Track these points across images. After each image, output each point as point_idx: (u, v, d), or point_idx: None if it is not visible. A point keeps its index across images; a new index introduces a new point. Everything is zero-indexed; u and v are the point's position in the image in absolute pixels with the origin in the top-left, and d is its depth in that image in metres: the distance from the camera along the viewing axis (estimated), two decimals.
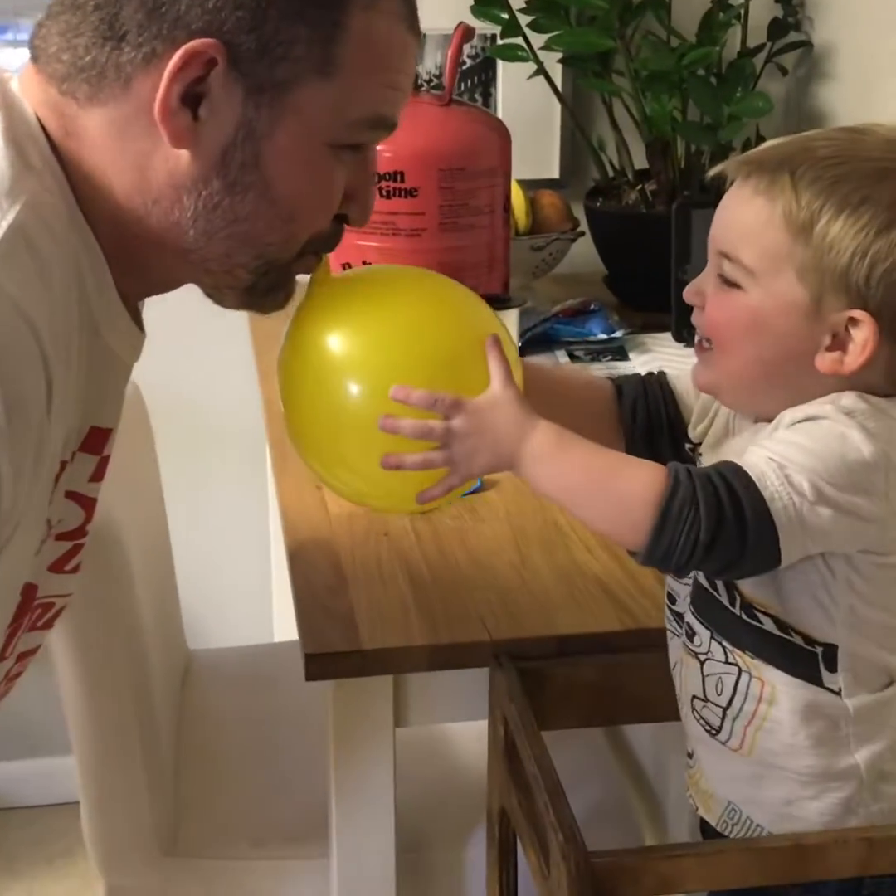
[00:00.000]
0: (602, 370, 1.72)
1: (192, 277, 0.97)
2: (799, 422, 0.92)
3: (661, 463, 1.07)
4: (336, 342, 0.97)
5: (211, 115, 0.89)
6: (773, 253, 0.92)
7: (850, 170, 0.91)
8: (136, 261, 0.93)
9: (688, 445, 1.07)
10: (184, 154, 0.89)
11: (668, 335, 1.82)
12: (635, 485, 0.89)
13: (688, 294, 0.99)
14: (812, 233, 0.90)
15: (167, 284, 0.98)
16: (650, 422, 1.08)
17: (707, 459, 1.03)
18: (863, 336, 0.91)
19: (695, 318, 0.99)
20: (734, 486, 0.88)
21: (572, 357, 1.77)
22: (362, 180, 0.97)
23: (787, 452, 0.89)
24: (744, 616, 0.97)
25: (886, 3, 1.84)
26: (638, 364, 1.74)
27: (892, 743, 0.99)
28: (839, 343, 0.92)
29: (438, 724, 1.52)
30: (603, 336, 1.82)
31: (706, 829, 1.10)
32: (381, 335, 0.97)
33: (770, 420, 0.98)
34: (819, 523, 0.89)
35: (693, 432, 1.07)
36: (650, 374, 1.11)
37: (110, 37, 0.88)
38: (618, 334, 1.82)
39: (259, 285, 0.97)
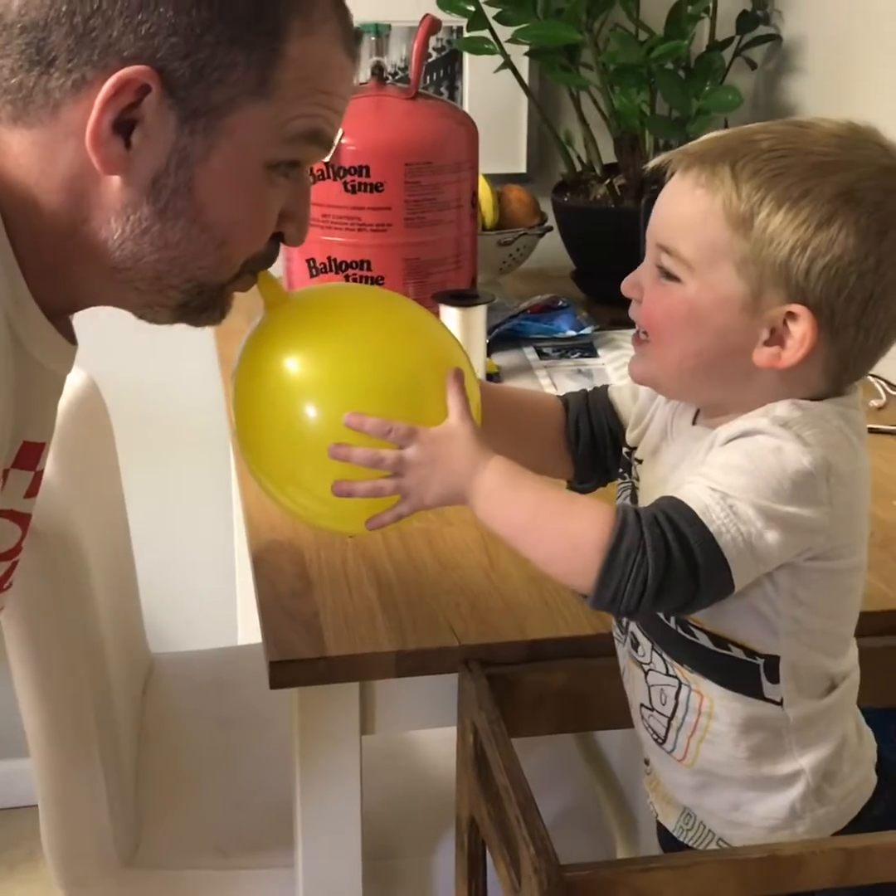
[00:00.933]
0: (571, 367, 1.70)
1: (121, 294, 0.95)
2: (734, 438, 0.91)
3: (606, 474, 1.08)
4: (294, 364, 0.96)
5: (144, 142, 0.87)
6: (711, 245, 0.90)
7: (793, 163, 0.89)
8: (60, 276, 0.91)
9: (625, 450, 1.06)
10: (115, 180, 0.88)
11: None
12: (583, 527, 0.88)
13: (625, 287, 0.97)
14: (752, 225, 0.89)
15: (96, 299, 0.97)
16: (593, 435, 1.08)
17: (646, 466, 1.01)
18: (800, 331, 0.89)
19: (632, 311, 0.97)
20: (680, 527, 0.86)
21: (540, 354, 1.75)
22: (298, 200, 0.96)
23: (727, 479, 0.88)
24: (679, 630, 0.96)
25: None
26: (607, 360, 1.72)
27: (837, 747, 0.99)
28: (777, 338, 0.91)
29: (406, 731, 1.50)
30: (571, 332, 1.80)
31: (663, 836, 1.09)
32: (339, 359, 0.96)
33: (709, 415, 0.97)
34: (769, 547, 0.87)
35: (629, 436, 1.06)
36: (595, 388, 1.11)
37: (38, 61, 0.86)
38: (586, 331, 1.80)
39: (192, 304, 0.95)
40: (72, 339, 0.96)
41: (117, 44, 0.84)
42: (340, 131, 1.02)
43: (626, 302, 1.77)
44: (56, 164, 0.87)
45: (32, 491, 0.98)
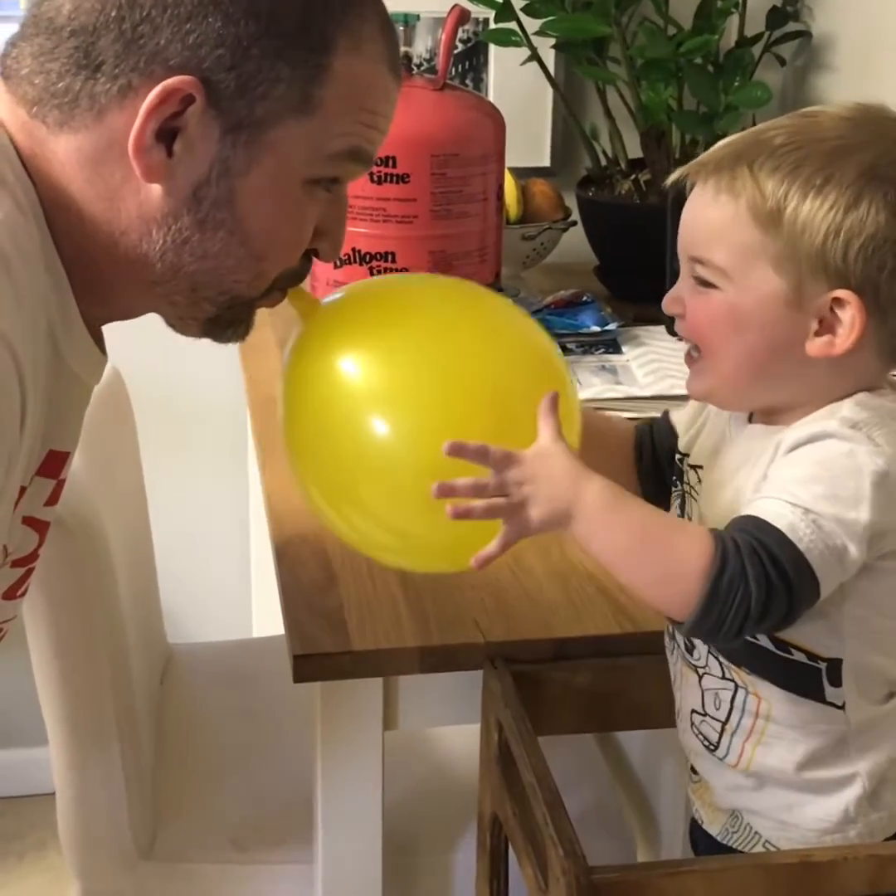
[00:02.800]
0: (595, 362, 1.69)
1: (156, 307, 0.96)
2: (802, 444, 0.90)
3: (668, 491, 1.07)
4: (357, 372, 0.91)
5: (186, 152, 0.87)
6: (744, 249, 0.90)
7: (809, 152, 0.89)
8: (101, 287, 0.92)
9: (677, 456, 1.05)
10: (155, 188, 0.88)
11: (661, 328, 1.78)
12: (686, 554, 0.86)
13: (667, 304, 0.97)
14: (782, 221, 0.89)
15: (131, 312, 0.97)
16: (655, 455, 1.08)
17: (707, 470, 1.00)
18: (849, 315, 0.89)
19: (678, 328, 0.97)
20: (773, 551, 0.86)
21: (564, 349, 1.73)
22: (335, 217, 0.96)
23: (805, 492, 0.87)
24: None
25: None
26: (631, 356, 1.71)
27: (892, 755, 0.97)
28: (827, 326, 0.90)
29: (429, 727, 1.50)
30: (595, 328, 1.78)
31: (702, 841, 1.07)
32: (413, 364, 0.91)
33: (764, 416, 0.97)
34: (852, 555, 0.87)
35: (681, 442, 1.05)
36: (662, 415, 1.11)
37: (85, 66, 0.86)
38: (611, 327, 1.78)
39: (222, 318, 0.96)
40: (103, 349, 0.97)
41: (164, 52, 0.85)
42: None
43: (649, 297, 1.76)
44: (99, 170, 0.88)
45: (53, 500, 0.98)
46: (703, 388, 0.97)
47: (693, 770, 1.06)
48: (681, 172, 0.96)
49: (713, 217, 0.92)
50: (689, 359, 0.97)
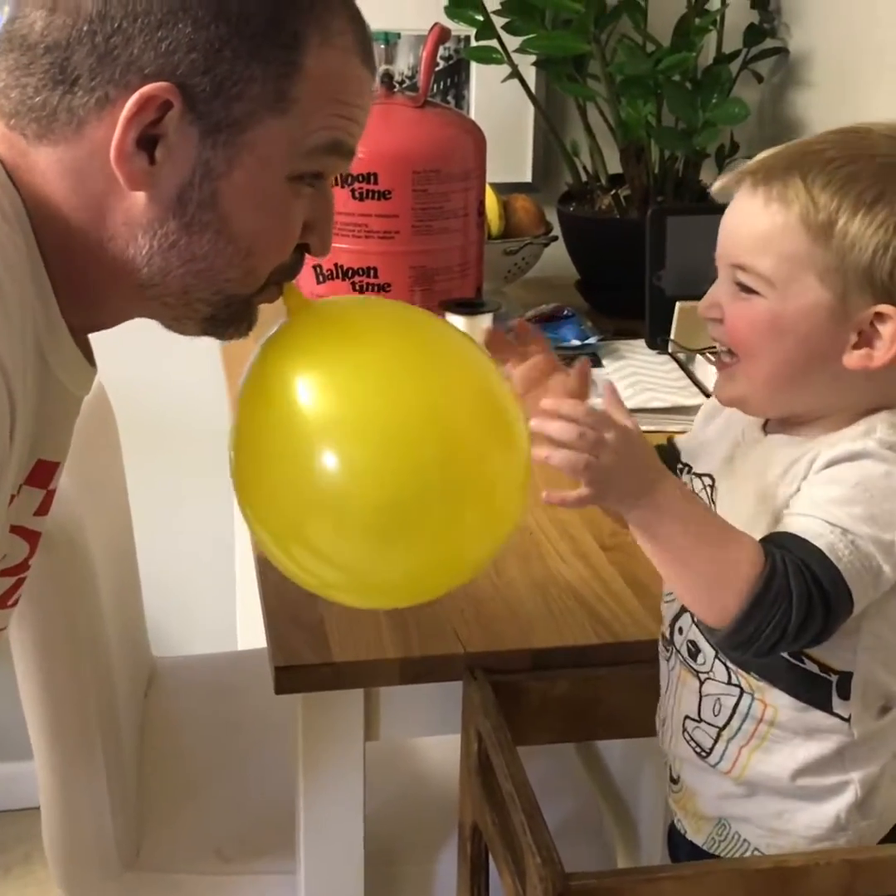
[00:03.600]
0: None
1: (149, 311, 0.96)
2: (840, 462, 0.91)
3: None
4: (316, 399, 0.88)
5: (167, 158, 0.87)
6: (792, 258, 0.91)
7: (861, 168, 0.91)
8: (88, 294, 0.92)
9: (678, 466, 1.06)
10: (140, 195, 0.88)
11: (641, 342, 1.80)
12: (738, 562, 0.87)
13: (704, 309, 0.97)
14: (832, 234, 0.90)
15: (121, 316, 0.97)
16: None
17: (723, 479, 1.01)
18: (890, 330, 0.91)
19: (713, 332, 0.98)
20: (816, 572, 0.87)
21: None
22: (321, 211, 0.96)
23: (843, 513, 0.88)
24: None
25: (862, 10, 1.83)
26: (611, 370, 1.72)
27: (886, 765, 0.99)
28: (865, 339, 0.92)
29: (409, 737, 1.50)
30: (576, 342, 1.80)
31: (677, 849, 1.08)
32: (376, 396, 0.88)
33: (785, 425, 0.98)
34: (887, 576, 0.89)
35: (683, 451, 1.07)
36: (667, 441, 1.11)
37: (61, 81, 0.86)
38: (591, 340, 1.80)
39: (220, 316, 0.96)
40: (91, 361, 0.97)
41: (138, 61, 0.85)
42: None
43: (630, 311, 1.80)
44: (82, 181, 0.88)
45: (43, 509, 0.98)
46: (736, 393, 0.98)
47: (673, 780, 1.07)
48: (727, 180, 0.96)
49: (762, 225, 0.92)
50: (721, 363, 0.98)
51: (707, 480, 1.02)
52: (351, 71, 0.93)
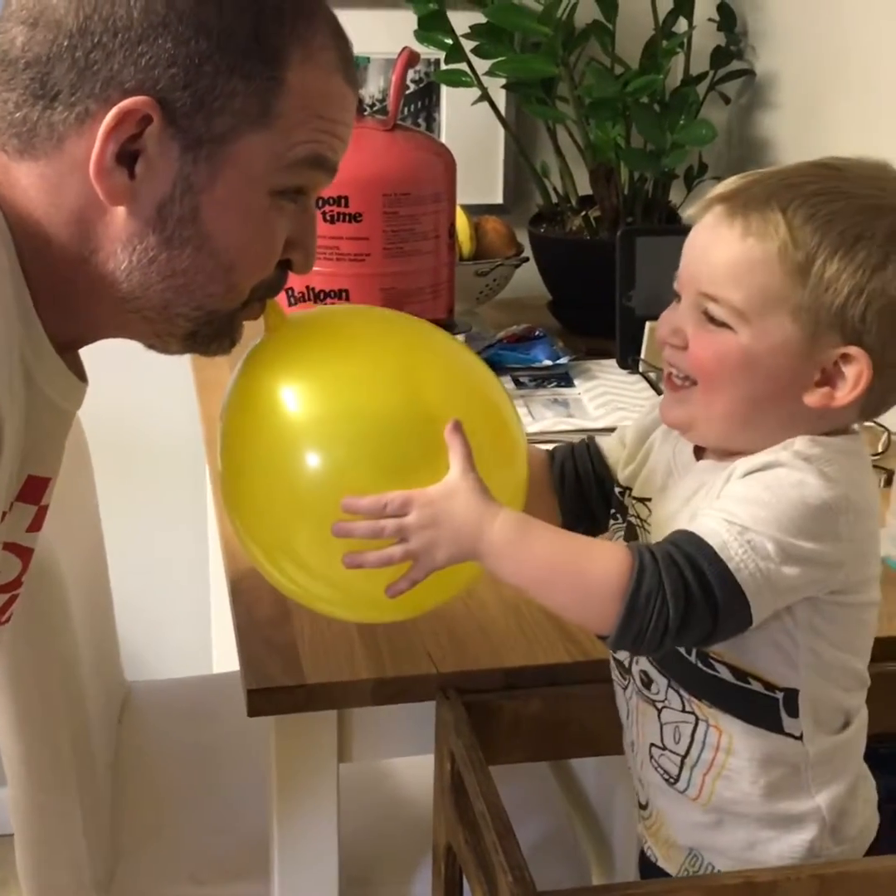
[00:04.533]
0: (547, 396, 1.71)
1: (131, 327, 0.96)
2: (755, 471, 0.91)
3: (593, 520, 1.07)
4: (300, 410, 0.89)
5: (147, 172, 0.88)
6: (765, 293, 0.90)
7: (842, 207, 0.90)
8: (70, 309, 0.92)
9: (618, 490, 1.06)
10: (120, 210, 0.89)
11: (612, 362, 1.82)
12: (600, 574, 0.87)
13: (665, 333, 0.96)
14: (809, 273, 0.89)
15: (105, 331, 0.97)
16: (578, 480, 1.08)
17: (657, 504, 1.01)
18: (856, 371, 0.90)
19: (670, 357, 0.96)
20: (699, 564, 0.86)
21: (517, 383, 1.76)
22: (304, 227, 0.96)
23: (746, 512, 0.88)
24: (700, 665, 0.95)
25: (828, 32, 1.85)
26: (583, 390, 1.74)
27: (852, 785, 0.99)
28: (827, 378, 0.91)
29: (383, 759, 1.50)
30: (548, 362, 1.81)
31: (647, 875, 1.08)
32: (361, 404, 0.89)
33: (719, 454, 0.97)
34: (788, 581, 0.88)
35: (622, 475, 1.06)
36: (581, 440, 1.11)
37: (42, 96, 0.87)
38: (562, 360, 1.81)
39: (201, 332, 0.96)
40: (82, 376, 0.97)
41: (118, 76, 0.85)
42: None
43: (601, 331, 1.81)
44: (63, 196, 0.88)
45: (35, 526, 0.98)
46: (684, 417, 0.96)
47: (642, 806, 1.07)
48: (701, 207, 0.95)
49: (736, 256, 0.90)
50: (672, 384, 0.96)
51: (650, 504, 1.02)
52: (333, 87, 0.93)
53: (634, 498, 1.03)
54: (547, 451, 1.10)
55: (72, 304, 0.92)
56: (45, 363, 0.91)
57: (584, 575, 0.88)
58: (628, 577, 0.86)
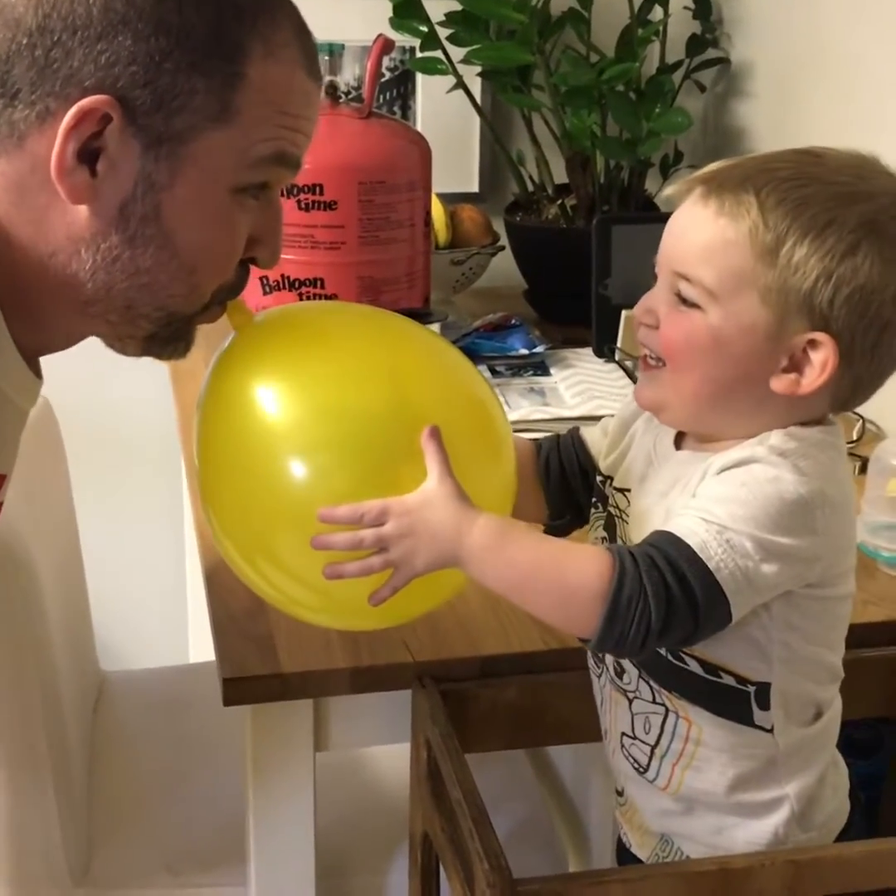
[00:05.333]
0: (523, 384, 1.71)
1: (92, 328, 0.96)
2: (729, 467, 0.91)
3: (579, 510, 1.07)
4: (274, 407, 0.88)
5: (109, 171, 0.87)
6: (736, 274, 0.90)
7: (815, 191, 0.90)
8: (33, 311, 0.91)
9: (599, 479, 1.06)
10: (82, 209, 0.88)
11: (588, 350, 1.82)
12: (581, 578, 0.87)
13: (639, 313, 0.96)
14: (778, 254, 0.89)
15: (67, 337, 0.96)
16: (563, 469, 1.08)
17: (635, 495, 1.01)
18: (822, 358, 0.90)
19: (644, 338, 0.97)
20: (679, 566, 0.86)
21: (493, 372, 1.76)
22: (269, 223, 0.96)
23: (723, 510, 0.88)
24: (670, 658, 0.96)
25: (803, 21, 1.86)
26: (559, 379, 1.74)
27: (821, 774, 0.99)
28: (794, 364, 0.91)
29: (360, 748, 1.50)
30: (524, 351, 1.81)
31: (623, 862, 1.09)
32: (331, 400, 0.87)
33: (700, 440, 0.98)
34: (766, 578, 0.88)
35: (603, 464, 1.06)
36: (567, 431, 1.11)
37: (2, 95, 0.86)
38: (539, 349, 1.81)
39: (160, 335, 0.95)
40: (38, 373, 0.96)
41: (78, 74, 0.85)
42: None
43: (577, 320, 1.81)
44: (24, 195, 0.88)
45: None
46: (656, 398, 0.97)
47: (619, 792, 1.07)
48: (678, 187, 0.95)
49: (709, 236, 0.91)
50: (647, 365, 0.97)
51: (629, 495, 1.02)
52: (296, 83, 0.93)
53: (615, 488, 1.04)
54: (534, 442, 1.10)
55: (33, 307, 0.91)
56: (4, 359, 0.91)
57: (565, 579, 0.88)
58: (609, 581, 0.86)
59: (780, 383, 0.92)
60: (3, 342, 0.90)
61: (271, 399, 0.88)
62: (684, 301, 0.93)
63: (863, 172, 0.93)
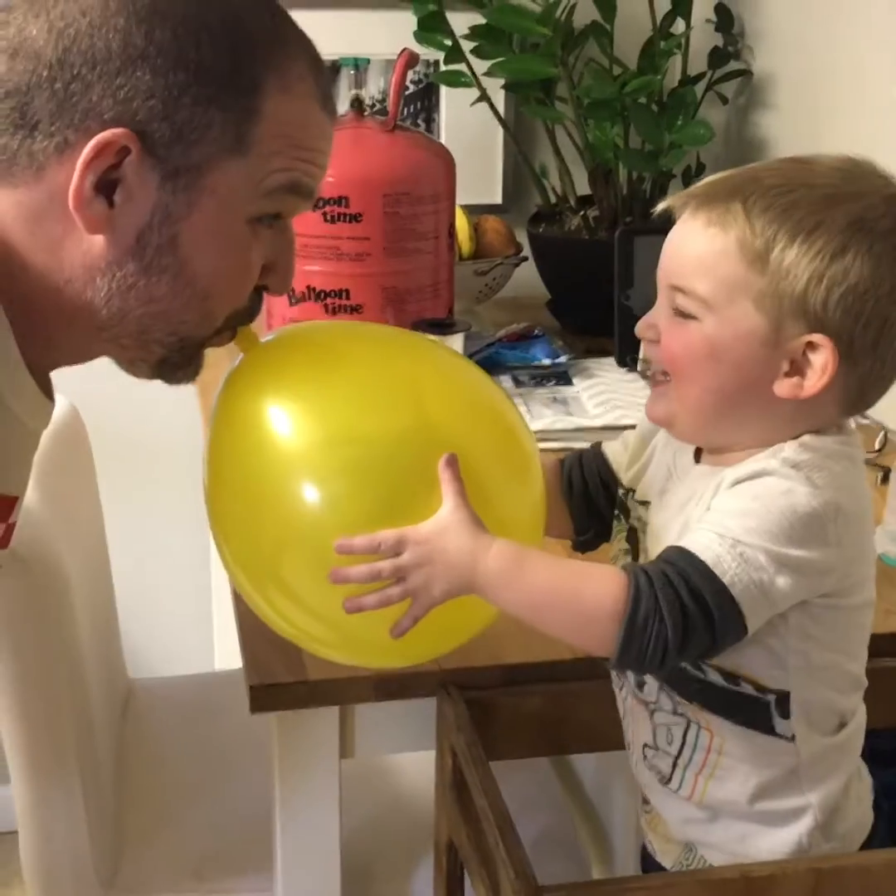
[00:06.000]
0: (546, 394, 1.72)
1: (105, 351, 0.97)
2: (743, 480, 0.92)
3: (603, 525, 1.08)
4: (284, 429, 0.86)
5: (126, 202, 0.88)
6: (729, 282, 0.91)
7: (801, 196, 0.91)
8: (47, 333, 0.92)
9: (621, 491, 1.07)
10: (98, 239, 0.89)
11: (611, 360, 1.83)
12: (597, 598, 0.88)
13: (641, 328, 0.98)
14: (768, 260, 0.90)
15: (79, 357, 0.97)
16: (585, 484, 1.09)
17: (655, 508, 1.02)
18: (822, 360, 0.91)
19: (648, 352, 0.98)
20: (693, 583, 0.87)
21: (517, 382, 1.77)
22: (282, 251, 0.97)
23: (737, 524, 0.89)
24: (689, 668, 0.96)
25: (824, 32, 1.86)
26: (581, 388, 1.75)
27: (846, 784, 0.99)
28: (796, 368, 0.92)
29: (385, 755, 1.51)
30: (547, 361, 1.82)
31: (648, 869, 1.09)
32: (346, 431, 0.85)
33: (715, 451, 0.98)
34: (781, 591, 0.89)
35: (625, 476, 1.07)
36: (589, 447, 1.12)
37: (22, 125, 0.87)
38: (561, 359, 1.82)
39: (171, 360, 0.96)
40: (50, 395, 0.97)
41: (97, 107, 0.86)
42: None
43: (599, 330, 1.82)
44: (41, 224, 0.89)
45: (3, 543, 0.98)
46: (665, 413, 0.98)
47: (644, 800, 1.08)
48: (670, 202, 0.97)
49: (701, 248, 0.92)
50: (655, 381, 0.98)
51: (649, 508, 1.03)
52: (310, 116, 0.94)
53: (636, 500, 1.04)
54: (558, 459, 1.11)
55: (49, 330, 0.92)
56: (16, 382, 0.92)
57: (581, 600, 0.89)
58: (624, 601, 0.87)
59: (783, 388, 0.92)
60: (17, 367, 0.91)
61: (282, 423, 0.87)
62: (682, 313, 0.94)
63: (850, 175, 0.93)
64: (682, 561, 0.88)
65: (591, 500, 1.09)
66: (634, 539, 1.04)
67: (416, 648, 0.93)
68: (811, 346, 0.91)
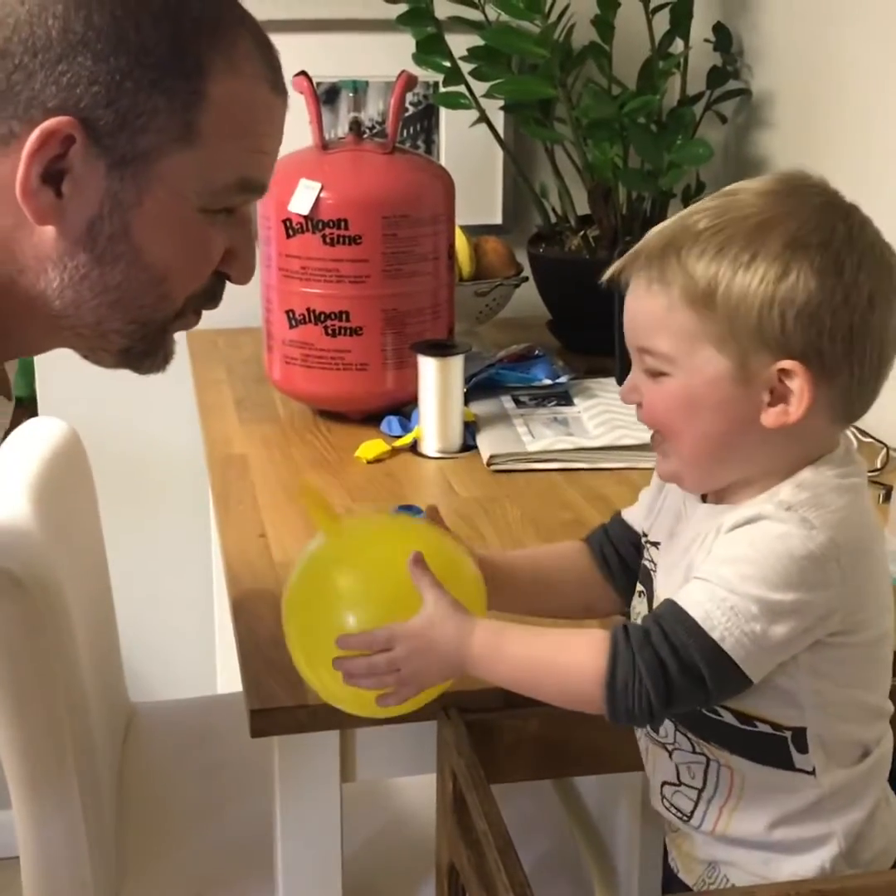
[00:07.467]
0: (547, 415, 1.72)
1: (64, 342, 0.96)
2: (739, 526, 0.92)
3: None
4: (350, 594, 1.02)
5: (74, 191, 0.88)
6: (686, 334, 0.92)
7: (733, 232, 0.91)
8: (2, 326, 0.92)
9: (644, 539, 1.07)
10: (49, 230, 0.89)
11: (611, 380, 1.83)
12: (575, 667, 0.92)
13: (624, 394, 0.99)
14: (716, 301, 0.90)
15: (35, 348, 0.97)
16: (620, 558, 1.10)
17: (664, 549, 1.02)
18: (798, 384, 0.90)
19: (638, 415, 0.99)
20: (677, 639, 0.89)
21: (517, 402, 1.77)
22: (241, 239, 0.97)
23: (730, 572, 0.89)
24: (703, 711, 0.96)
25: (823, 51, 1.87)
26: (582, 408, 1.75)
27: (870, 811, 0.98)
28: (779, 396, 0.92)
29: (386, 778, 1.51)
30: (547, 381, 1.82)
31: (668, 881, 1.09)
32: (388, 599, 1.00)
33: (719, 494, 0.98)
34: (778, 638, 0.89)
35: (644, 525, 1.08)
36: (611, 518, 1.13)
37: None
38: (562, 379, 1.82)
39: (135, 348, 0.96)
40: (7, 393, 0.98)
41: (40, 96, 0.86)
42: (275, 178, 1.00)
43: (600, 350, 1.82)
44: None
45: None
46: (670, 471, 0.99)
47: (670, 823, 1.07)
48: (615, 268, 0.97)
49: (650, 308, 0.93)
50: (654, 442, 0.99)
51: (659, 548, 1.03)
52: (258, 96, 0.93)
53: (649, 541, 1.05)
54: (582, 543, 1.13)
55: (3, 322, 0.92)
56: None
57: (563, 669, 0.93)
58: (604, 664, 0.90)
59: (769, 418, 0.92)
60: None
61: (347, 591, 1.02)
62: (653, 373, 0.95)
63: (779, 196, 0.93)
64: (671, 618, 0.90)
65: (630, 570, 1.09)
66: (648, 579, 1.04)
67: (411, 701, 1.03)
68: (784, 372, 0.91)
